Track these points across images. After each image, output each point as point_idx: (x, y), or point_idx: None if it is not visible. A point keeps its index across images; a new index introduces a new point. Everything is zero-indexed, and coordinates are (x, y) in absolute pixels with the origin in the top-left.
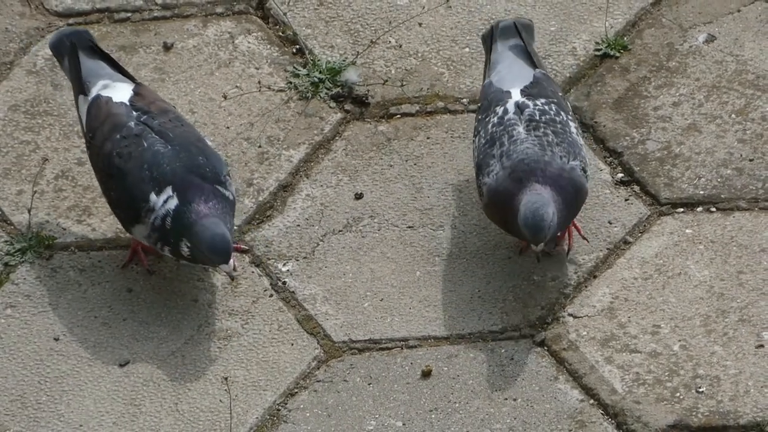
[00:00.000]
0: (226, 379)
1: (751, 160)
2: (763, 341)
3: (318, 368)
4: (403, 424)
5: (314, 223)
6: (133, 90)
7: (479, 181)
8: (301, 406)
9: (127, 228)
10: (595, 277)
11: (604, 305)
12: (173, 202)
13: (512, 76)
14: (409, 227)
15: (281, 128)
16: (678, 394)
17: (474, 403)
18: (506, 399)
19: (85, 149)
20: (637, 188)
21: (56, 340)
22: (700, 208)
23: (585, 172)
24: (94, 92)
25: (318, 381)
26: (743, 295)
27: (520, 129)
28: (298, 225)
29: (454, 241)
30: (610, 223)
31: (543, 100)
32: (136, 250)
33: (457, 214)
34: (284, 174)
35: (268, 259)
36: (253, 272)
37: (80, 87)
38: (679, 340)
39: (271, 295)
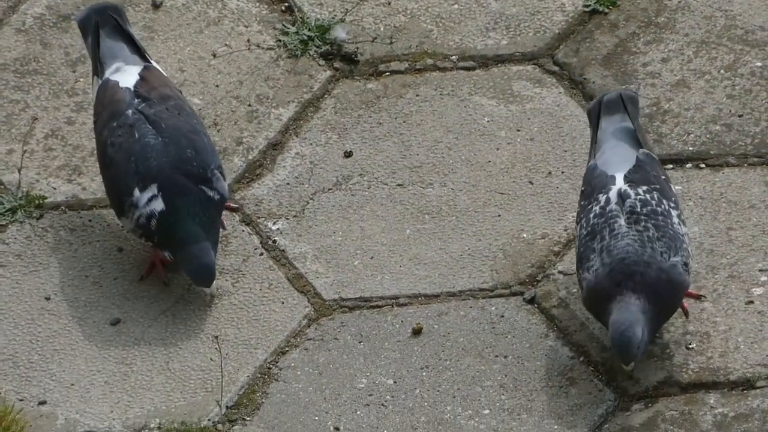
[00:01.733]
0: (216, 337)
1: (740, 116)
2: (752, 297)
3: (309, 326)
4: (394, 382)
5: (304, 181)
6: (139, 74)
7: (579, 274)
8: (292, 364)
9: (118, 219)
10: None
11: None
12: (158, 205)
13: (617, 158)
14: (399, 185)
15: (270, 86)
16: (668, 351)
17: (465, 361)
18: (497, 356)
19: (75, 109)
20: None
21: (47, 299)
22: (689, 165)
23: (687, 266)
24: (106, 75)
25: (309, 339)
26: (733, 251)
27: (621, 222)
28: (288, 183)
29: (443, 199)
30: None
31: (645, 188)
32: (155, 263)
33: (447, 172)
34: (274, 132)
35: (258, 217)
36: (243, 231)
37: (96, 68)
38: None
39: (261, 254)
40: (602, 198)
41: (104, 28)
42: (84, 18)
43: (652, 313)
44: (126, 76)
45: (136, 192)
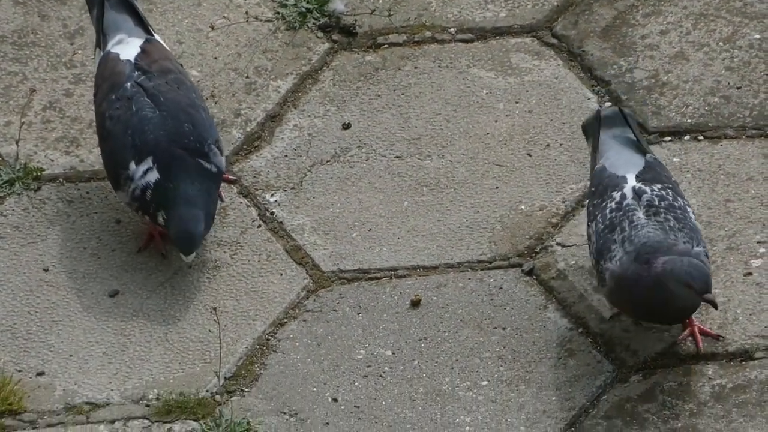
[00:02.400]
0: (215, 309)
1: (738, 88)
2: (751, 269)
3: (307, 298)
4: (393, 353)
5: (302, 153)
6: (140, 46)
7: (601, 266)
8: (291, 335)
9: (115, 192)
10: (583, 206)
11: None
12: (153, 175)
13: (624, 162)
14: (397, 157)
15: (269, 58)
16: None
17: (463, 333)
18: (495, 328)
19: (73, 81)
20: None
21: (46, 271)
22: (687, 137)
23: (708, 258)
24: (108, 47)
25: (307, 311)
26: (731, 223)
27: (640, 214)
28: (286, 155)
29: (441, 171)
30: None
31: (659, 186)
32: (153, 235)
33: (445, 144)
34: (272, 104)
35: (256, 189)
36: (241, 203)
37: (99, 40)
38: None
39: (260, 226)
40: (616, 195)
41: (109, 0)
42: None
43: None
44: (127, 48)
45: (132, 165)
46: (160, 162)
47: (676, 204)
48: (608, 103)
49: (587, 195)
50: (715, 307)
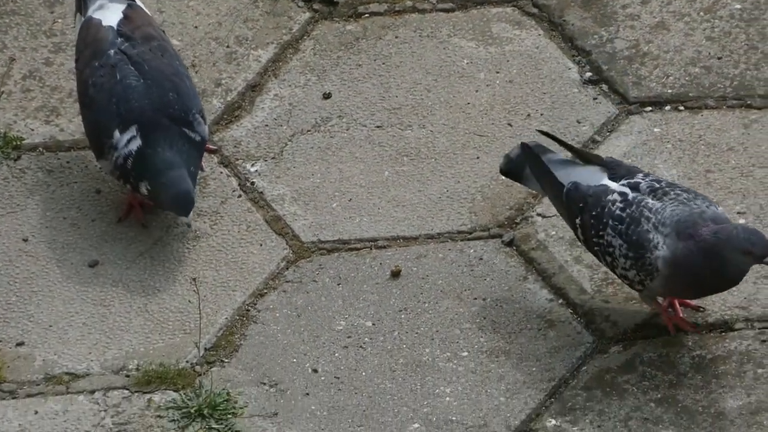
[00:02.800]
0: (195, 279)
1: (719, 59)
2: None
3: (287, 269)
4: (373, 324)
5: (282, 123)
6: (123, 12)
7: (648, 259)
8: (271, 306)
9: (97, 159)
10: None
11: None
12: (136, 143)
13: (587, 174)
14: (378, 127)
15: (249, 28)
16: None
17: (443, 303)
18: (475, 299)
19: (53, 50)
20: (605, 87)
21: (25, 240)
22: (668, 107)
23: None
24: (89, 12)
25: (287, 281)
26: (711, 193)
27: (651, 201)
28: (267, 125)
29: (422, 141)
30: (578, 122)
31: (641, 174)
32: (133, 204)
33: (426, 114)
34: (252, 74)
35: (237, 159)
36: (221, 173)
37: (79, 5)
38: None
39: (240, 196)
40: (614, 196)
41: None
42: None
43: None
44: (109, 14)
45: (116, 134)
46: (144, 130)
47: (673, 182)
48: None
49: (568, 216)
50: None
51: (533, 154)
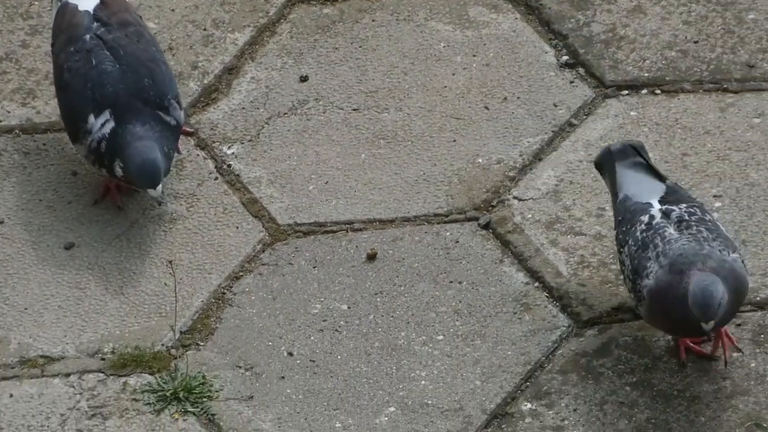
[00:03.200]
0: (171, 262)
1: (695, 42)
2: None
3: (263, 251)
4: (348, 307)
5: (259, 105)
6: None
7: (638, 285)
8: (247, 289)
9: (72, 144)
10: (540, 159)
11: (549, 188)
12: (109, 126)
13: (645, 189)
14: (354, 110)
15: (226, 11)
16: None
17: (419, 286)
18: (451, 282)
19: (29, 32)
20: (582, 70)
21: (1, 223)
22: (644, 90)
23: (744, 264)
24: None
25: (263, 264)
26: (688, 177)
27: (671, 230)
28: (243, 108)
29: (399, 124)
30: (555, 105)
31: (685, 205)
32: (109, 187)
33: (402, 97)
34: (229, 57)
35: (213, 142)
36: (198, 155)
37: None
38: None
39: (216, 178)
40: (645, 218)
41: None
42: None
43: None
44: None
45: (91, 118)
46: (118, 114)
47: (706, 218)
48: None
49: (614, 225)
50: (707, 336)
51: (611, 157)
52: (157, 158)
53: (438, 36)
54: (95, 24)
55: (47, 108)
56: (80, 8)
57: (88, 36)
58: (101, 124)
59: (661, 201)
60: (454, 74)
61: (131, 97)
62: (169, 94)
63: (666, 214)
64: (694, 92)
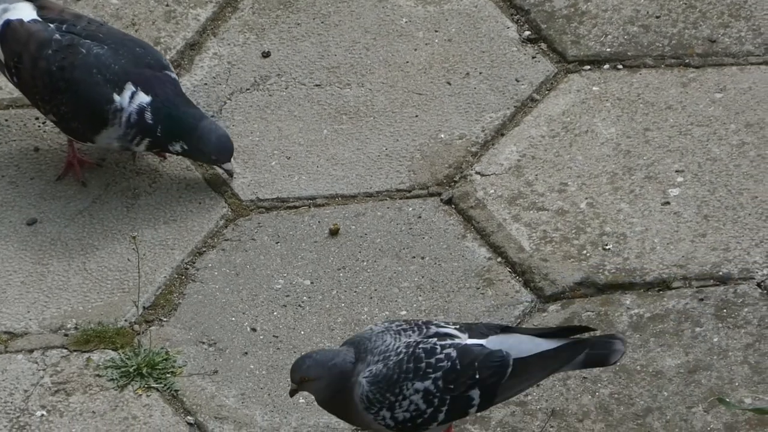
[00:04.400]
0: (134, 238)
1: (657, 17)
2: (669, 198)
3: (226, 227)
4: (311, 283)
5: (221, 81)
6: (36, 5)
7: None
8: (209, 264)
9: (89, 137)
10: (502, 135)
11: (511, 163)
12: (143, 97)
13: None
14: (317, 85)
15: None
16: (585, 252)
17: (382, 262)
18: (414, 257)
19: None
20: (544, 46)
21: None
22: (606, 66)
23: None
24: (1, 20)
25: (226, 240)
26: (650, 152)
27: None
28: (206, 84)
29: (361, 99)
30: (517, 80)
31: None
32: (71, 163)
33: (365, 73)
34: (191, 33)
35: None
36: None
37: None
38: (586, 198)
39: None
40: None
41: None
42: None
43: None
44: (21, 11)
45: (116, 97)
46: (140, 83)
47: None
48: None
49: None
50: None
51: None
52: (226, 132)
53: (400, 11)
54: (52, 25)
55: (9, 84)
56: (26, 20)
57: (57, 35)
58: (129, 97)
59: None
60: (416, 50)
61: (138, 66)
62: (159, 56)
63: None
64: (656, 67)
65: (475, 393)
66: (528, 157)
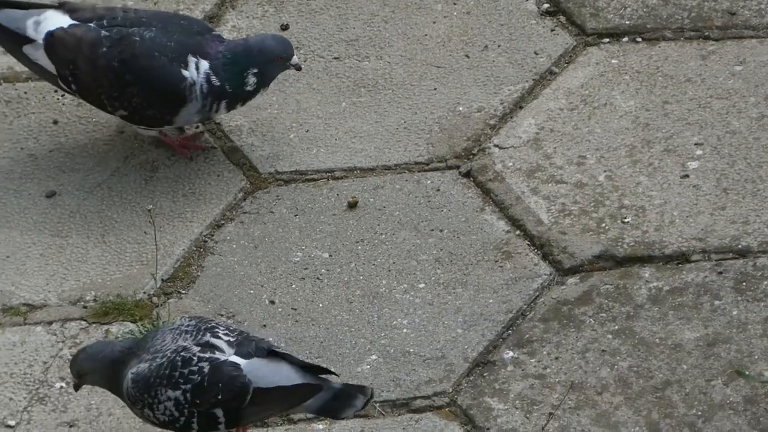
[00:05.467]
0: (149, 210)
1: None
2: (687, 171)
3: (244, 200)
4: (330, 256)
5: None
6: (66, 10)
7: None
8: (228, 237)
9: (167, 120)
10: (521, 107)
11: (530, 136)
12: (204, 64)
13: None
14: (335, 58)
15: None
16: (603, 225)
17: (400, 235)
18: (432, 230)
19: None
20: (563, 18)
21: None
22: (625, 39)
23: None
24: (39, 33)
25: (244, 212)
26: (668, 125)
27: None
28: None
29: (379, 72)
30: (536, 53)
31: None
32: (183, 144)
33: (383, 45)
34: (210, 5)
35: None
36: None
37: (18, 39)
38: (605, 171)
39: (197, 127)
40: None
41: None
42: None
43: None
44: (55, 20)
45: (185, 72)
46: (197, 52)
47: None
48: None
49: None
50: None
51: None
52: (269, 34)
53: None
54: (93, 24)
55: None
56: (65, 26)
57: (104, 31)
58: (195, 68)
59: None
60: (434, 22)
61: (189, 37)
62: (200, 21)
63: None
64: (675, 40)
65: (219, 412)
66: (546, 130)
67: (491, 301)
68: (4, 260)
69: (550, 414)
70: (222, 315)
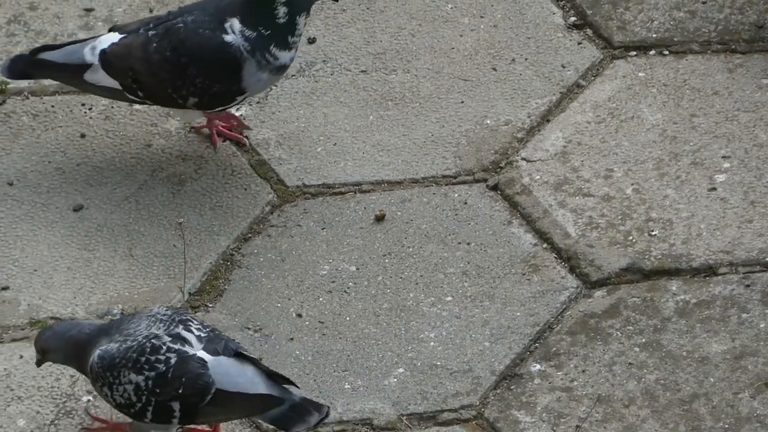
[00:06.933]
0: (180, 224)
1: (704, 3)
2: (715, 184)
3: (271, 213)
4: (357, 269)
5: None
6: (116, 29)
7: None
8: (255, 250)
9: (238, 89)
10: (548, 121)
11: (557, 149)
12: (235, 22)
13: None
14: (362, 71)
15: None
16: (631, 238)
17: (427, 248)
18: (459, 243)
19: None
20: (589, 31)
21: (10, 185)
22: (652, 51)
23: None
24: (95, 56)
25: (272, 226)
26: (696, 138)
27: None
28: None
29: (407, 85)
30: (563, 66)
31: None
32: (213, 129)
33: (410, 59)
34: None
35: None
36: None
37: (78, 70)
38: (632, 184)
39: (225, 140)
40: None
41: (40, 54)
42: (12, 68)
43: None
44: (107, 39)
45: (227, 36)
46: (227, 14)
47: None
48: None
49: None
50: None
51: None
52: None
53: None
54: (140, 30)
55: None
56: (116, 41)
57: (151, 32)
58: (231, 30)
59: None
60: (461, 36)
61: (219, 4)
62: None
63: None
64: (702, 53)
65: (176, 405)
66: (574, 143)
67: (518, 314)
68: (31, 274)
69: (577, 427)
70: (249, 328)
